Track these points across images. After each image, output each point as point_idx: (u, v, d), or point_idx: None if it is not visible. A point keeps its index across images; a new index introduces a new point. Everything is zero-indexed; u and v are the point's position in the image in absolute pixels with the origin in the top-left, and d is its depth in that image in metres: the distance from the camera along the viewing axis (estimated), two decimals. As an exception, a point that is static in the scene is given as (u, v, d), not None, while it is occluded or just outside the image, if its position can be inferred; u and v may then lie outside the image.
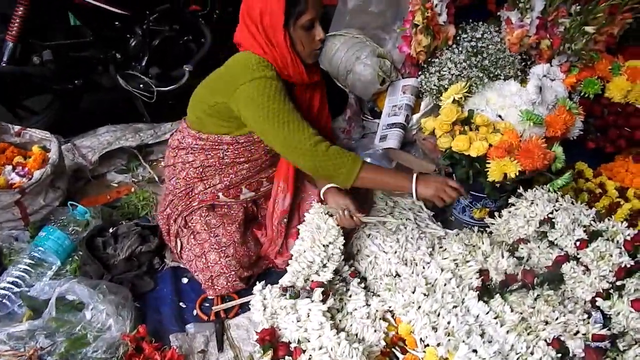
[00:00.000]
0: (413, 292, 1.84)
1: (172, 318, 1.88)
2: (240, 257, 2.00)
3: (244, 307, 1.93)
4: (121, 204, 2.35)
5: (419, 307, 1.78)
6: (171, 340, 1.76)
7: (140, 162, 2.62)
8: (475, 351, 1.63)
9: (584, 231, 1.97)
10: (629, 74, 2.52)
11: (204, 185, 2.03)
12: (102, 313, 1.71)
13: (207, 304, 1.97)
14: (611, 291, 1.80)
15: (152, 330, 1.78)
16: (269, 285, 1.83)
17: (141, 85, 2.80)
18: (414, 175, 1.83)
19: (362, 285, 1.96)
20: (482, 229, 2.21)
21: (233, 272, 1.97)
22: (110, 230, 2.09)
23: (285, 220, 2.09)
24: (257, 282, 1.84)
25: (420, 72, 2.52)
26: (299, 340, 1.68)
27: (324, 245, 1.89)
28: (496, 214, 2.24)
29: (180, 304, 1.96)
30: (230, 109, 1.84)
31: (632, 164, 2.55)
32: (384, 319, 1.82)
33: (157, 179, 2.53)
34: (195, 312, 1.93)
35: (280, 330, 1.74)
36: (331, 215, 1.94)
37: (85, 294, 1.73)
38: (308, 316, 1.73)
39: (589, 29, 2.41)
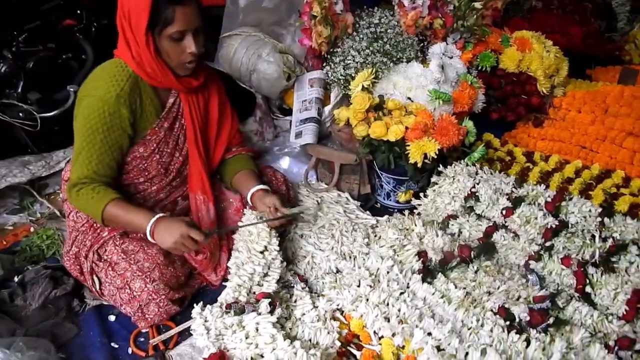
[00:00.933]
0: (359, 286, 1.81)
1: (105, 362, 1.70)
2: (168, 279, 1.84)
3: (184, 335, 1.78)
4: (22, 248, 2.08)
5: (367, 299, 1.74)
6: (108, 386, 1.59)
7: (35, 198, 2.36)
8: (429, 334, 1.62)
9: (507, 199, 2.04)
10: (518, 44, 2.66)
11: None
12: (23, 378, 1.51)
13: (142, 339, 1.79)
14: (541, 252, 1.88)
15: (84, 381, 1.60)
16: (208, 306, 1.71)
17: (21, 114, 2.51)
18: (155, 218, 1.72)
19: (306, 287, 1.89)
20: (410, 212, 2.23)
21: (163, 296, 1.81)
22: (16, 279, 1.85)
23: (216, 230, 1.96)
24: (194, 305, 1.71)
25: (324, 64, 2.50)
26: (252, 359, 1.58)
27: (260, 252, 1.80)
28: (421, 194, 2.27)
29: (112, 344, 1.77)
30: None
31: (533, 128, 2.70)
32: (334, 318, 1.77)
33: (58, 213, 2.28)
34: (130, 350, 1.75)
35: (229, 351, 1.63)
36: (261, 218, 1.86)
37: (0, 357, 1.52)
38: (257, 331, 1.63)
39: (477, 4, 2.52)
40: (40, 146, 2.68)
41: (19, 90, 2.58)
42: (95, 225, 1.87)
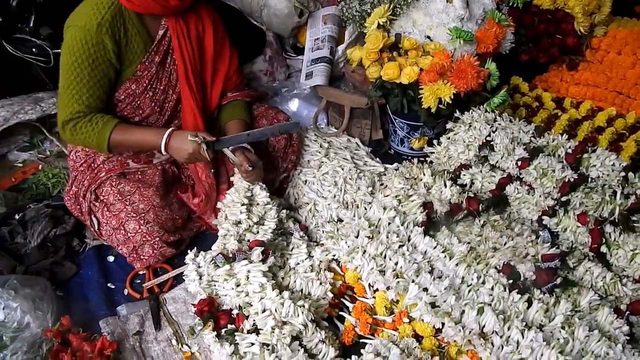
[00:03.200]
0: (357, 237, 1.74)
1: (100, 302, 1.71)
2: (163, 221, 1.81)
3: (179, 278, 1.77)
4: (29, 185, 2.09)
5: (364, 251, 1.68)
6: (101, 326, 1.60)
7: (45, 136, 2.35)
8: (425, 289, 1.55)
9: (525, 149, 1.89)
10: (555, -23, 2.41)
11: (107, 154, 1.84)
12: (16, 311, 1.52)
13: (139, 281, 1.80)
14: (557, 208, 1.75)
15: (79, 319, 1.60)
16: (202, 253, 1.68)
17: (34, 49, 2.48)
18: (167, 132, 1.71)
19: (305, 236, 1.83)
20: (422, 160, 2.12)
21: (157, 238, 1.79)
22: (17, 217, 1.87)
23: (212, 171, 1.91)
24: (189, 250, 1.69)
25: (339, -1, 2.34)
26: (240, 307, 1.56)
27: (242, 204, 1.76)
28: (435, 142, 2.14)
29: (109, 284, 1.78)
30: None
31: (567, 72, 2.49)
32: (330, 269, 1.71)
33: (66, 151, 2.28)
34: (126, 292, 1.76)
35: (219, 298, 1.61)
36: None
37: (-8, 293, 1.54)
38: (247, 279, 1.60)
39: None
40: (54, 82, 2.66)
41: (31, 24, 2.54)
42: (93, 165, 1.84)
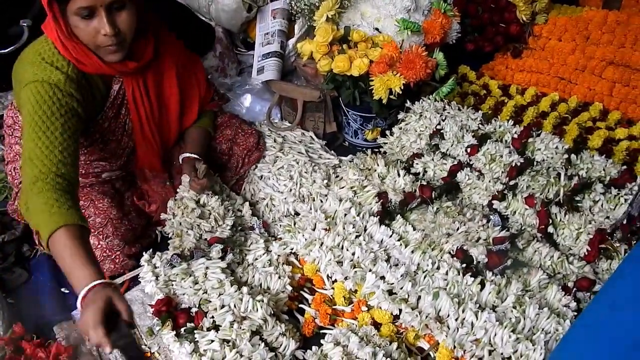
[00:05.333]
0: (314, 230, 1.75)
1: (54, 307, 1.66)
2: (123, 233, 1.76)
3: (137, 280, 1.75)
4: (-27, 191, 2.03)
5: (322, 243, 1.69)
6: (55, 332, 1.56)
7: (-13, 141, 2.27)
8: (382, 278, 1.58)
9: (473, 136, 1.95)
10: (497, -32, 2.47)
11: None
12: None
13: (94, 284, 1.77)
14: (505, 192, 1.80)
15: (32, 326, 1.56)
16: (157, 253, 1.66)
17: (-26, 50, 2.39)
18: (87, 287, 1.23)
19: (265, 233, 1.83)
20: (376, 151, 2.14)
21: (118, 252, 1.74)
22: (-39, 224, 1.81)
23: (167, 183, 1.88)
24: (144, 252, 1.67)
25: (288, -7, 2.33)
26: (199, 304, 1.55)
27: (192, 210, 1.76)
28: (388, 132, 2.17)
29: (62, 289, 1.73)
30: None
31: (511, 59, 2.56)
32: (288, 262, 1.72)
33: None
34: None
35: (177, 297, 1.59)
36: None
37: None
38: (206, 276, 1.60)
39: None
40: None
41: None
42: None
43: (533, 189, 1.78)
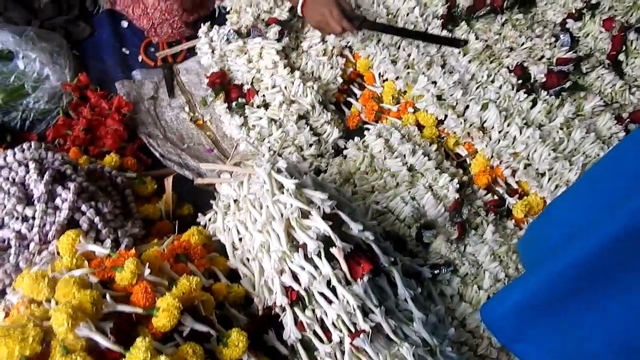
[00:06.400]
0: (373, 24, 1.70)
1: (115, 65, 1.74)
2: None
3: (193, 51, 1.78)
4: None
5: (379, 40, 1.66)
6: (117, 87, 1.65)
7: None
8: (434, 82, 1.57)
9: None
10: None
11: None
12: (36, 62, 1.56)
13: (152, 49, 1.81)
14: (584, 10, 1.68)
15: (95, 78, 1.65)
16: (215, 27, 1.67)
17: None
18: None
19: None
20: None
21: (176, 17, 1.76)
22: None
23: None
24: (203, 23, 1.67)
25: None
26: (252, 82, 1.60)
27: None
28: None
29: (123, 49, 1.79)
30: None
31: None
32: (342, 55, 1.71)
33: None
34: (140, 58, 1.78)
35: (231, 73, 1.64)
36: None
37: (11, 42, 1.55)
38: (260, 56, 1.62)
39: None
40: None
41: None
42: None
43: (615, 10, 1.64)
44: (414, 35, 1.60)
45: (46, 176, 1.11)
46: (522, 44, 1.63)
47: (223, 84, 1.60)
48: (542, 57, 1.61)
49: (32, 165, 1.13)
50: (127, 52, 1.80)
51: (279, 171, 1.08)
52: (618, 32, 1.59)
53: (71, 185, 1.12)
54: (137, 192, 1.38)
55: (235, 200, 1.18)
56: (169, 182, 1.38)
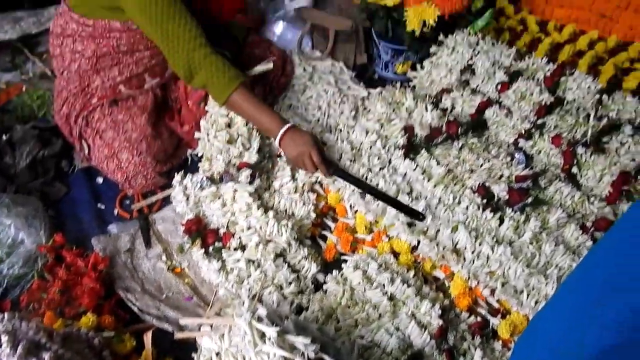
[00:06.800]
0: (340, 160, 1.79)
1: (91, 221, 1.78)
2: (156, 151, 1.84)
3: (168, 199, 1.83)
4: (14, 107, 2.09)
5: (347, 174, 1.73)
6: (93, 243, 1.67)
7: (27, 57, 2.32)
8: (403, 210, 1.62)
9: (505, 73, 1.92)
10: None
11: (101, 78, 1.79)
12: (11, 227, 1.58)
13: (128, 201, 1.86)
14: (532, 130, 1.80)
15: (71, 237, 1.68)
16: (188, 175, 1.73)
17: (12, -34, 2.39)
18: (287, 126, 1.62)
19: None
20: (406, 84, 2.14)
21: (150, 169, 1.83)
22: (4, 137, 1.88)
23: (202, 103, 1.92)
24: (176, 173, 1.74)
25: None
26: (227, 225, 1.63)
27: (221, 130, 1.78)
28: (418, 66, 2.15)
29: (99, 205, 1.84)
30: None
31: (553, -7, 2.45)
32: (313, 190, 1.78)
33: (49, 73, 2.26)
34: (116, 212, 1.83)
35: (206, 218, 1.67)
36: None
37: (-14, 211, 1.59)
38: (234, 199, 1.66)
39: None
40: (32, 1, 2.58)
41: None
42: (87, 89, 1.81)
43: (561, 128, 1.77)
44: (380, 197, 1.64)
45: (19, 349, 1.09)
46: (481, 165, 1.72)
47: (199, 230, 1.62)
48: (502, 175, 1.70)
49: (4, 338, 1.11)
50: (103, 207, 1.84)
51: (259, 319, 1.08)
52: (567, 147, 1.71)
53: (46, 355, 1.09)
54: (116, 350, 1.35)
55: (217, 354, 1.15)
56: (148, 338, 1.36)
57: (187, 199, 1.70)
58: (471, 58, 1.98)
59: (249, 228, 1.60)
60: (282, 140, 1.64)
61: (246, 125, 1.79)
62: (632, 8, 2.20)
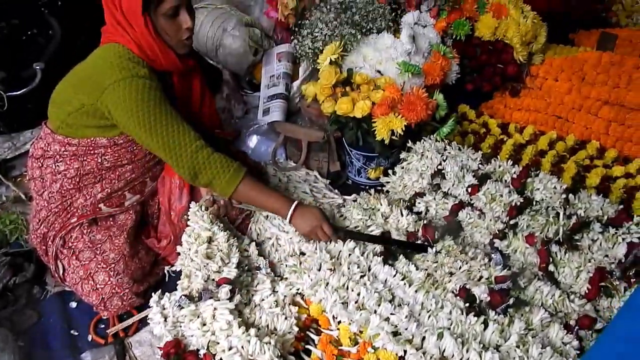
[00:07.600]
0: (319, 270, 1.78)
1: (63, 349, 1.69)
2: (133, 271, 1.82)
3: (144, 321, 1.78)
4: (-15, 233, 2.07)
5: (327, 284, 1.72)
6: (66, 376, 1.59)
7: (0, 181, 2.33)
8: (387, 319, 1.60)
9: (474, 176, 1.99)
10: (494, 11, 2.56)
11: (84, 196, 1.80)
12: (-22, 363, 1.51)
13: (103, 326, 1.79)
14: (506, 230, 1.84)
15: (42, 368, 1.60)
16: (166, 294, 1.70)
17: (-15, 93, 2.45)
18: (294, 205, 1.74)
19: (271, 273, 1.86)
20: (379, 189, 2.19)
21: (127, 290, 1.79)
22: (-26, 265, 1.84)
23: (185, 217, 1.93)
24: (153, 292, 1.70)
25: (292, 37, 2.42)
26: (207, 346, 1.57)
27: (204, 243, 1.78)
28: (390, 171, 2.22)
29: (72, 331, 1.77)
30: (100, 110, 1.65)
31: (510, 98, 2.62)
32: (294, 303, 1.75)
33: (24, 196, 2.26)
34: (90, 338, 1.75)
35: (185, 339, 1.62)
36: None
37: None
38: (214, 317, 1.62)
39: (451, -31, 2.41)
40: (8, 126, 2.63)
41: (-17, 69, 2.51)
42: (69, 208, 1.81)
43: (533, 228, 1.82)
44: (391, 242, 1.83)
45: None
46: (460, 267, 1.74)
47: (178, 353, 1.56)
48: (481, 277, 1.71)
49: None
50: (76, 333, 1.77)
51: None
52: (541, 245, 1.74)
53: None
54: None
55: None
56: None
57: (165, 319, 1.65)
58: (440, 163, 2.06)
59: (230, 348, 1.54)
60: (293, 219, 1.74)
61: (227, 241, 1.79)
62: (585, 110, 2.37)
